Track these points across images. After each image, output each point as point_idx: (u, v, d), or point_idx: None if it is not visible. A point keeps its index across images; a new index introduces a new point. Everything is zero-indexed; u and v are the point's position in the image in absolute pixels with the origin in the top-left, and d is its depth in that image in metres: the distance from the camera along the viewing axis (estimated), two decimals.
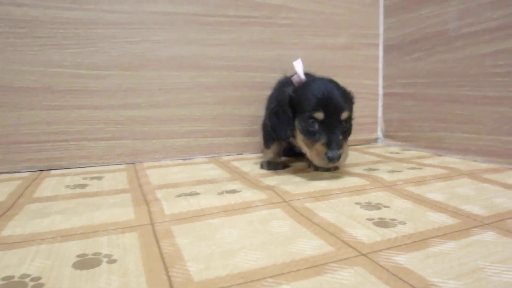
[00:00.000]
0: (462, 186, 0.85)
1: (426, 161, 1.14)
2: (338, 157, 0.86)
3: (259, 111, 1.29)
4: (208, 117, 1.27)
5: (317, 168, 1.03)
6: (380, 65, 1.54)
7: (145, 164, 1.16)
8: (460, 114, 1.19)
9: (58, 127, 1.11)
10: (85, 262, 0.50)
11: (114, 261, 0.50)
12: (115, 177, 0.99)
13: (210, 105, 1.27)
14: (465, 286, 0.43)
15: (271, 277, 0.45)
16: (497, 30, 1.06)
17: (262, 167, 1.08)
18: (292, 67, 1.01)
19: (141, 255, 0.52)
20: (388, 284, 0.43)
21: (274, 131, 0.98)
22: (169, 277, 0.45)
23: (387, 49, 1.51)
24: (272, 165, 1.07)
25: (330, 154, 0.86)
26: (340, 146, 0.87)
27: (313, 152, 0.90)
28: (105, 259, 0.50)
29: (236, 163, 1.15)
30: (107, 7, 1.12)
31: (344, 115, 0.90)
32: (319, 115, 0.88)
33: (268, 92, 1.17)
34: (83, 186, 0.91)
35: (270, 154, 1.11)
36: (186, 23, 1.21)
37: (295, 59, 1.12)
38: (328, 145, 0.87)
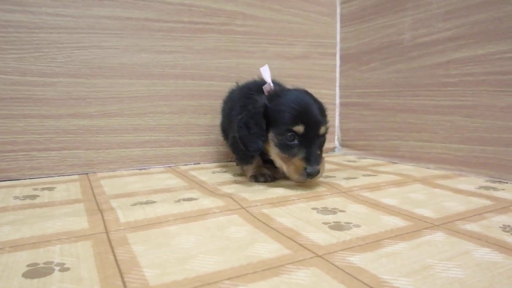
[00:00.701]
0: (415, 191, 0.89)
1: (381, 169, 1.18)
2: (317, 173, 0.85)
3: (216, 120, 1.29)
4: (164, 126, 1.25)
5: (256, 179, 1.00)
6: (337, 75, 1.58)
7: (100, 175, 1.13)
8: (413, 123, 1.24)
9: (4, 137, 1.06)
10: (36, 271, 0.48)
11: (67, 269, 0.48)
12: (68, 188, 0.96)
13: (165, 114, 1.25)
14: (415, 282, 0.44)
15: (228, 279, 0.45)
16: (449, 40, 1.11)
17: (257, 180, 0.99)
18: (260, 74, 1.01)
19: (95, 263, 0.50)
20: (342, 282, 0.45)
21: (243, 143, 0.90)
22: (124, 283, 0.44)
23: (344, 58, 1.55)
24: (268, 177, 0.99)
25: (310, 170, 0.84)
26: (318, 161, 0.85)
27: (291, 167, 0.86)
28: (57, 268, 0.49)
29: (193, 173, 1.14)
30: (51, 10, 1.08)
31: (323, 129, 0.88)
32: (299, 128, 0.85)
33: None
34: (33, 197, 0.87)
35: (253, 169, 1.02)
36: (138, 29, 1.19)
37: (252, 67, 1.13)
38: (307, 160, 0.84)
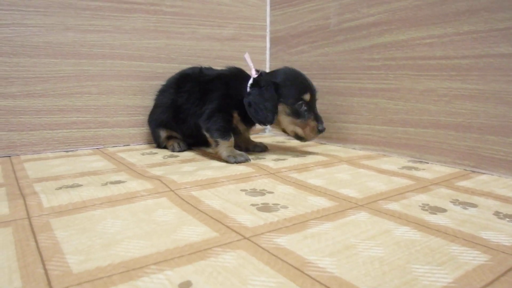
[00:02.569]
0: (341, 172, 0.92)
1: (309, 149, 1.21)
2: (325, 128, 1.05)
3: (146, 101, 1.27)
4: (92, 107, 1.22)
5: (236, 160, 1.02)
6: (267, 57, 1.59)
7: (23, 157, 1.08)
8: (340, 105, 1.28)
9: None
10: None
11: None
12: None
13: (93, 94, 1.22)
14: (338, 262, 0.47)
15: (154, 264, 0.46)
16: (373, 26, 1.15)
17: (236, 160, 1.01)
18: (244, 60, 1.13)
19: (15, 250, 0.49)
20: (268, 264, 0.46)
21: (256, 117, 1.04)
22: (46, 271, 0.44)
23: (273, 41, 1.56)
24: (243, 157, 1.03)
25: (321, 127, 1.04)
26: (322, 120, 1.06)
27: (307, 129, 1.05)
28: None
29: (122, 154, 1.12)
30: None
31: (317, 95, 1.08)
32: (307, 97, 1.04)
33: (153, 82, 1.15)
34: None
35: (229, 145, 1.05)
36: (64, 7, 1.14)
37: (182, 48, 1.11)
38: (318, 120, 1.05)
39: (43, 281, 0.42)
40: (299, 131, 1.06)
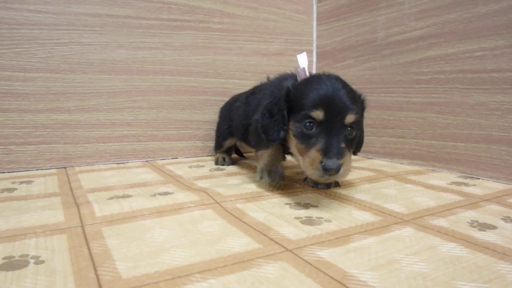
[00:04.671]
0: (387, 187, 0.91)
1: (355, 164, 1.20)
2: (337, 169, 0.67)
3: (194, 115, 1.31)
4: (142, 121, 1.26)
5: (315, 184, 0.89)
6: (314, 71, 1.59)
7: (77, 169, 1.13)
8: (387, 119, 1.26)
9: None
10: (12, 264, 0.49)
11: (41, 262, 0.50)
12: (45, 182, 0.97)
13: (143, 109, 1.26)
14: (380, 276, 0.46)
15: (198, 272, 0.47)
16: (421, 39, 1.14)
17: (261, 177, 0.86)
18: (296, 61, 0.89)
19: (69, 256, 0.52)
20: (309, 276, 0.46)
21: (264, 132, 0.80)
22: (97, 276, 0.46)
23: (320, 55, 1.57)
24: (274, 175, 0.86)
25: (327, 163, 0.67)
26: (341, 155, 0.68)
27: (306, 160, 0.72)
28: (33, 261, 0.50)
29: (170, 167, 1.16)
30: (32, 7, 1.09)
31: (350, 117, 0.71)
32: (318, 114, 0.71)
33: (201, 97, 1.18)
34: (11, 190, 0.88)
35: (268, 158, 0.89)
36: (118, 26, 1.20)
37: (229, 64, 1.14)
38: (326, 152, 0.68)
39: (94, 285, 0.44)
40: (300, 160, 0.76)
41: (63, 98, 1.15)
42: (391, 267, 0.49)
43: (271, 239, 0.58)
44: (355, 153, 0.82)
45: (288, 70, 1.42)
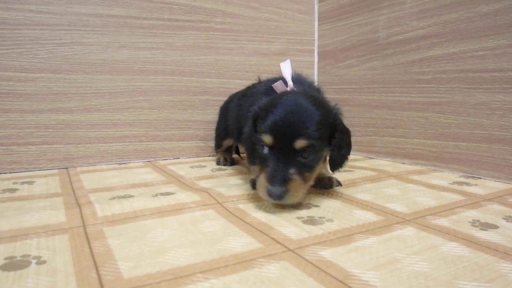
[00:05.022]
0: (389, 186, 0.91)
1: (357, 164, 1.20)
2: (280, 196, 0.68)
3: (195, 115, 1.31)
4: (144, 121, 1.27)
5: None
6: (315, 71, 1.60)
7: (79, 169, 1.14)
8: (389, 119, 1.26)
9: None
10: (13, 264, 0.49)
11: (43, 262, 0.50)
12: (47, 182, 0.97)
13: (145, 109, 1.26)
14: (381, 275, 0.46)
15: (200, 272, 0.47)
16: (423, 39, 1.14)
17: (253, 187, 0.85)
18: (279, 70, 0.89)
19: (71, 256, 0.52)
20: (311, 276, 0.46)
21: (247, 149, 0.84)
22: (99, 276, 0.46)
23: (321, 55, 1.57)
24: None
25: (270, 190, 0.68)
26: (285, 182, 0.68)
27: (258, 182, 0.74)
28: (34, 261, 0.50)
29: (172, 167, 1.16)
30: (34, 7, 1.09)
31: (300, 143, 0.70)
32: (268, 139, 0.71)
33: (203, 97, 1.18)
34: (13, 190, 0.88)
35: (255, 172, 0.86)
36: (119, 26, 1.20)
37: (231, 64, 1.12)
38: (270, 178, 0.69)
39: (96, 285, 0.44)
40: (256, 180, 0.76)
41: (65, 98, 1.15)
42: (392, 266, 0.48)
43: (273, 239, 0.58)
44: (334, 169, 0.81)
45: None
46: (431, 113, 1.12)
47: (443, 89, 1.09)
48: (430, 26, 1.11)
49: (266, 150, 0.73)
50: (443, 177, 1.00)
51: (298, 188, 0.70)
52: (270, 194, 0.68)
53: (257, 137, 0.74)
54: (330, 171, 0.84)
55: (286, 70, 0.84)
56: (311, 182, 0.75)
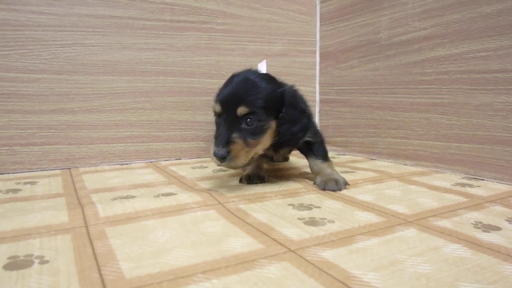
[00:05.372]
0: (391, 188, 0.90)
1: (359, 165, 1.20)
2: (222, 156, 0.77)
3: (197, 116, 1.31)
4: (145, 122, 1.27)
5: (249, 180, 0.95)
6: (317, 72, 1.59)
7: (81, 169, 1.14)
8: (391, 120, 1.26)
9: None
10: (16, 264, 0.49)
11: (46, 262, 0.50)
12: (50, 182, 0.97)
13: (147, 110, 1.27)
14: (383, 277, 0.46)
15: (201, 273, 0.47)
16: (425, 39, 1.13)
17: (240, 181, 0.96)
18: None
19: (74, 255, 0.52)
20: (312, 276, 0.46)
21: None
22: (101, 276, 0.46)
23: (323, 56, 1.57)
24: (250, 179, 0.95)
25: (214, 150, 0.77)
26: (227, 143, 0.77)
27: (210, 148, 0.81)
28: (37, 260, 0.50)
29: (173, 168, 1.16)
30: (36, 8, 1.09)
31: (241, 110, 0.79)
32: (216, 108, 0.83)
33: (204, 98, 1.19)
34: (15, 191, 0.89)
35: (251, 165, 0.99)
36: (121, 27, 1.21)
37: (232, 65, 1.12)
38: (216, 141, 0.79)
39: (98, 285, 0.44)
40: None
41: (67, 99, 1.15)
42: (394, 268, 0.48)
43: (274, 240, 0.57)
44: (280, 147, 0.90)
45: (291, 70, 1.44)
46: (433, 114, 1.12)
47: (446, 90, 1.08)
48: (433, 26, 1.11)
49: (217, 118, 0.83)
50: (445, 179, 1.00)
51: (240, 152, 0.79)
52: (215, 155, 0.77)
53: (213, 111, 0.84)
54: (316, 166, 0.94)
55: (263, 68, 0.97)
56: (256, 150, 0.83)
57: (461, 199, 0.81)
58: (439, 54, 1.09)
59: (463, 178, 1.01)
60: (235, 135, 0.79)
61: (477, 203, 0.77)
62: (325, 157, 0.95)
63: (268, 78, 0.86)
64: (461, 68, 1.04)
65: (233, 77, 0.86)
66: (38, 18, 1.10)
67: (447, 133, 1.08)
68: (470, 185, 0.93)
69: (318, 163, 0.94)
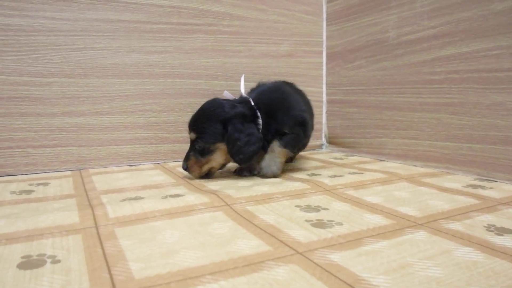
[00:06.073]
0: (400, 189, 0.89)
1: (367, 166, 1.18)
2: (185, 168, 1.00)
3: None
4: (153, 124, 1.28)
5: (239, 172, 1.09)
6: (324, 72, 1.59)
7: (91, 171, 1.15)
8: (399, 121, 1.25)
9: (2, 134, 1.09)
10: (29, 263, 0.50)
11: (58, 261, 0.51)
12: (61, 184, 0.98)
13: (155, 112, 1.28)
14: (392, 280, 0.45)
15: (209, 274, 0.47)
16: (434, 38, 1.12)
17: (234, 172, 1.10)
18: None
19: (84, 255, 0.53)
20: (320, 279, 0.46)
21: None
22: (111, 276, 0.47)
23: (330, 56, 1.56)
24: (240, 171, 1.08)
25: (182, 163, 1.01)
26: (187, 159, 1.00)
27: None
28: (49, 260, 0.51)
29: (181, 169, 1.15)
30: (48, 14, 1.11)
31: (191, 135, 1.01)
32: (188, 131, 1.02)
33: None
34: (28, 192, 0.90)
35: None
36: (129, 31, 1.22)
37: (239, 66, 1.13)
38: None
39: (108, 285, 0.44)
40: None
41: (78, 102, 1.17)
42: (404, 271, 0.48)
43: (282, 242, 0.57)
44: (233, 158, 0.99)
45: (298, 71, 1.43)
46: (443, 114, 1.11)
47: (456, 90, 1.07)
48: (442, 25, 1.10)
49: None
50: (457, 180, 0.98)
51: (194, 165, 1.00)
52: (182, 166, 1.00)
53: None
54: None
55: (241, 83, 1.10)
56: (211, 165, 1.01)
57: (473, 201, 0.79)
58: (449, 53, 1.08)
59: (475, 179, 0.99)
60: (191, 153, 1.00)
61: (490, 205, 0.76)
62: (286, 145, 1.04)
63: (218, 105, 1.01)
64: (472, 67, 1.03)
65: (208, 102, 1.04)
66: (50, 23, 1.12)
67: (458, 134, 1.07)
68: (483, 187, 0.91)
69: (275, 146, 1.03)
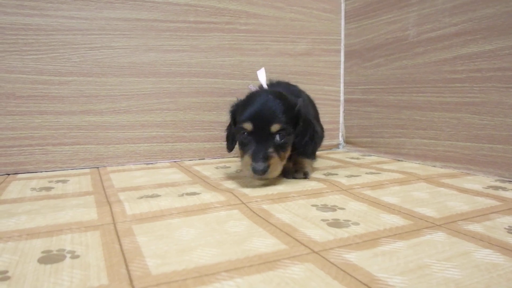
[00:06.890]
0: (418, 190, 0.88)
1: (384, 166, 1.17)
2: (263, 170, 0.84)
3: (220, 117, 1.32)
4: (170, 122, 1.28)
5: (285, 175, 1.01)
6: (342, 71, 1.58)
7: (109, 169, 1.17)
8: (419, 120, 1.23)
9: (22, 132, 1.11)
10: (50, 258, 0.51)
11: (77, 256, 0.52)
12: (80, 181, 1.00)
13: (171, 111, 1.28)
14: (409, 281, 0.45)
15: (225, 271, 0.47)
16: (456, 36, 1.10)
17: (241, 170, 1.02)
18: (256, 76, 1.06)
19: (102, 251, 0.53)
20: (336, 278, 0.45)
21: (226, 140, 1.03)
22: (128, 271, 0.47)
23: (348, 55, 1.55)
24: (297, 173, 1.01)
25: (254, 166, 0.84)
26: (266, 158, 0.85)
27: (243, 162, 0.90)
28: (69, 255, 0.52)
29: (197, 168, 1.17)
30: (66, 13, 1.13)
31: (275, 127, 0.88)
32: (248, 126, 0.88)
33: (228, 98, 1.20)
34: (48, 189, 0.92)
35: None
36: (146, 30, 1.23)
37: (255, 65, 1.13)
38: (253, 157, 0.85)
39: (125, 280, 0.45)
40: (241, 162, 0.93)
41: (95, 101, 1.18)
42: (421, 272, 0.47)
43: (297, 241, 0.57)
44: (307, 155, 0.99)
45: (315, 70, 1.43)
46: (464, 114, 1.09)
47: (478, 89, 1.05)
48: (464, 22, 1.08)
49: (246, 136, 0.89)
50: (477, 181, 0.96)
51: (276, 164, 0.88)
52: (254, 170, 0.84)
53: (238, 127, 0.90)
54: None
55: (262, 75, 1.04)
56: (285, 161, 0.92)
57: (494, 202, 0.77)
58: (471, 50, 1.06)
59: (496, 180, 0.97)
60: (271, 150, 0.87)
61: (511, 207, 0.74)
62: (309, 156, 1.03)
63: (285, 96, 0.94)
64: (495, 65, 1.00)
65: (254, 97, 0.93)
66: (69, 22, 1.13)
67: (479, 134, 1.05)
68: (504, 188, 0.89)
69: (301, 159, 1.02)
